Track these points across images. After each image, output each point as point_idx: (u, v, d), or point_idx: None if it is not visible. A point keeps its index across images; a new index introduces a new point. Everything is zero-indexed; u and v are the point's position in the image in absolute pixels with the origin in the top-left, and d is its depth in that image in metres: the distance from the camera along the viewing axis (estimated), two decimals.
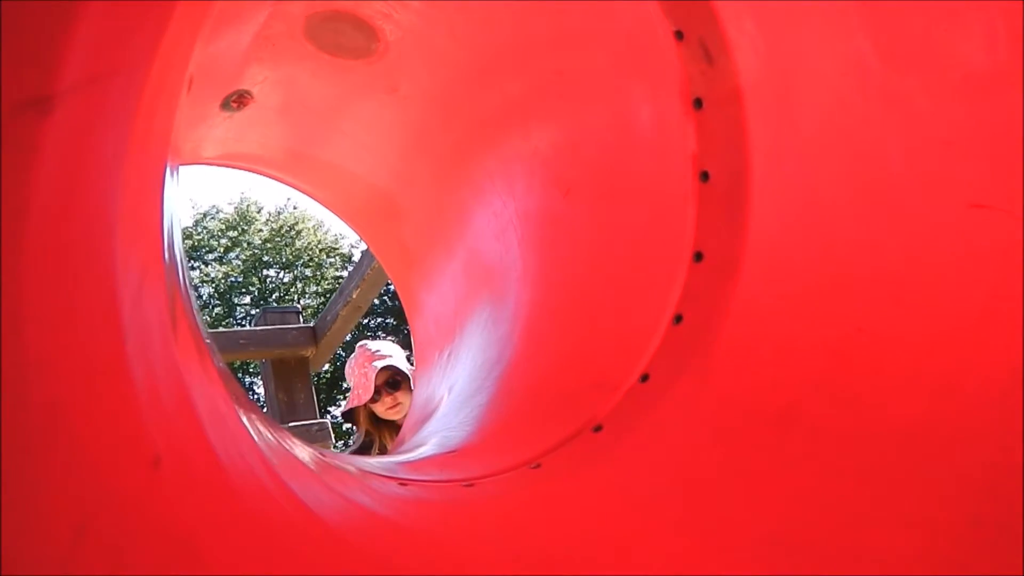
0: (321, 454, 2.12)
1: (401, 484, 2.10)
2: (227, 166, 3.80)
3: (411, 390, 5.01)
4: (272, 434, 1.71)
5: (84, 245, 0.90)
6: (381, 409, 5.13)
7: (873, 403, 1.89)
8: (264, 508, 1.34)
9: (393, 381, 5.11)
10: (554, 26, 2.62)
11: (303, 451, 1.90)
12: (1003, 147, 1.68)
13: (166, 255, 1.23)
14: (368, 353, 5.24)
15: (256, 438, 1.50)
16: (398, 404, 5.08)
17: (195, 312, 1.47)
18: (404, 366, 5.18)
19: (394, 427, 5.16)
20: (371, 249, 4.74)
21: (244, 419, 1.49)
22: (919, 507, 1.70)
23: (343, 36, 2.96)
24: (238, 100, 3.22)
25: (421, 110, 3.22)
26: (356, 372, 5.20)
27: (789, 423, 1.99)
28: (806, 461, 1.92)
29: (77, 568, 0.82)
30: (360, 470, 2.13)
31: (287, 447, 1.76)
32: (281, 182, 3.98)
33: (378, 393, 5.09)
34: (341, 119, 3.41)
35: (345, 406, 5.43)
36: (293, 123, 3.49)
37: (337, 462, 2.15)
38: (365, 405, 5.17)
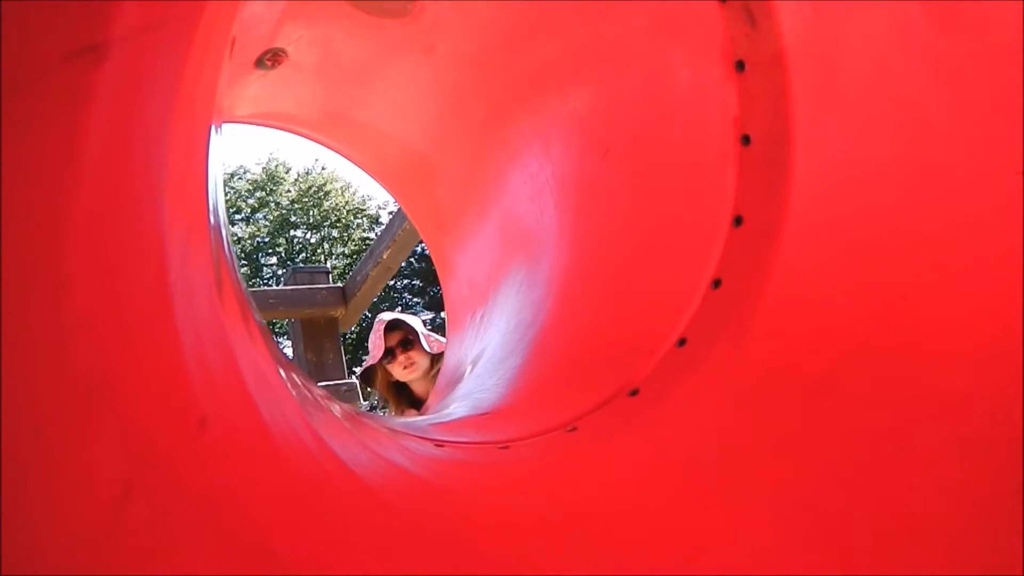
0: (356, 413, 2.12)
1: (437, 445, 2.10)
2: (261, 125, 3.80)
3: (426, 351, 5.07)
4: (310, 392, 1.71)
5: (133, 201, 0.89)
6: (398, 370, 5.22)
7: (914, 370, 1.87)
8: (306, 467, 1.34)
9: (405, 340, 5.20)
10: None
11: (339, 409, 1.90)
12: None
13: (211, 215, 1.23)
14: (381, 320, 5.32)
15: (297, 398, 1.50)
16: (413, 363, 5.17)
17: (237, 272, 1.47)
18: (417, 325, 5.25)
19: (409, 394, 5.23)
20: (404, 210, 4.74)
21: (285, 378, 1.49)
22: (960, 476, 1.69)
23: None
24: (272, 59, 3.20)
25: (457, 71, 3.21)
26: (372, 337, 5.31)
27: (828, 390, 1.97)
28: (845, 428, 1.91)
29: (123, 529, 0.82)
30: (393, 430, 2.13)
31: (325, 406, 1.76)
32: (315, 142, 3.98)
33: (391, 353, 5.18)
34: (376, 79, 3.40)
35: (363, 367, 5.52)
36: (328, 82, 3.48)
37: (371, 422, 2.15)
38: (384, 368, 5.24)
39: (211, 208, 1.24)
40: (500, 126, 3.21)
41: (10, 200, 0.68)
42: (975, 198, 1.83)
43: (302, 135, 3.92)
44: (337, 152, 4.07)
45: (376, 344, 5.22)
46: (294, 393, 1.50)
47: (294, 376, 1.59)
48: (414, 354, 5.16)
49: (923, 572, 1.56)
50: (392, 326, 5.22)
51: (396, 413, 5.29)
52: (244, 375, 1.20)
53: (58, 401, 0.76)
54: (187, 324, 0.99)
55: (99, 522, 0.80)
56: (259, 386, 1.26)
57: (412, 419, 3.38)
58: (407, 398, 5.28)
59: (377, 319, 5.39)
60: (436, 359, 5.10)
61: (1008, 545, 1.55)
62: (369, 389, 5.79)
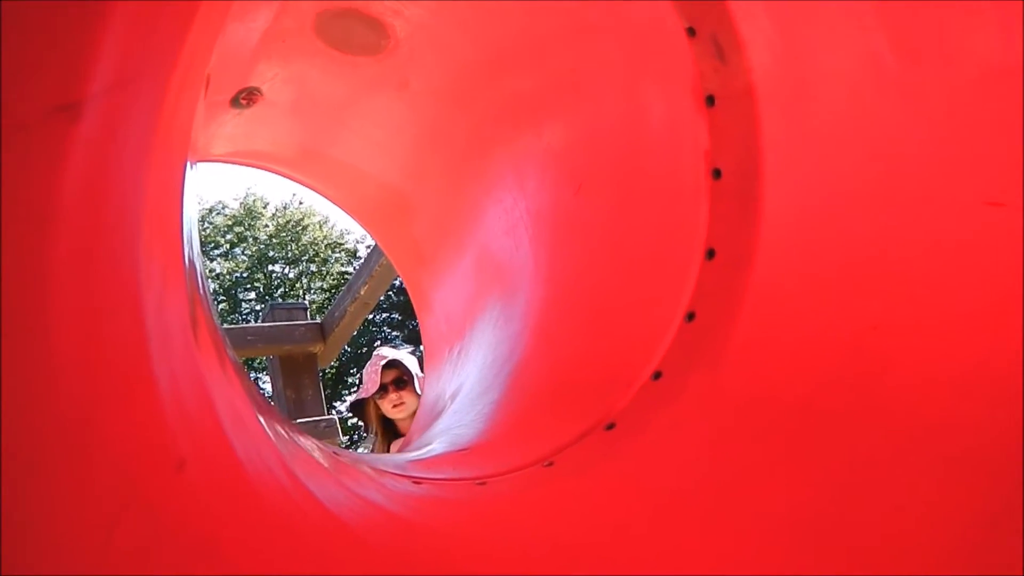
0: (334, 452, 2.13)
1: (415, 483, 2.10)
2: (237, 163, 3.81)
3: (417, 393, 5.17)
4: (287, 432, 1.71)
5: (111, 249, 0.90)
6: (387, 406, 5.31)
7: (888, 397, 1.89)
8: (283, 508, 1.34)
9: (399, 380, 5.29)
10: (566, 22, 2.61)
11: (316, 449, 1.90)
12: (1019, 144, 1.68)
13: (186, 255, 1.24)
14: (380, 355, 5.44)
15: (273, 438, 1.51)
16: (403, 403, 5.27)
17: (213, 312, 1.48)
18: (413, 368, 5.32)
19: (395, 429, 5.31)
20: (381, 246, 4.76)
21: (261, 419, 1.49)
22: (940, 499, 1.71)
23: (353, 33, 2.97)
24: (248, 97, 3.22)
25: (432, 106, 3.23)
26: (368, 370, 5.38)
27: (805, 418, 1.99)
28: (823, 455, 1.92)
29: (108, 566, 0.83)
30: (372, 468, 2.13)
31: (302, 446, 1.76)
32: (291, 179, 3.99)
33: (384, 389, 5.26)
34: (351, 116, 3.42)
35: (353, 398, 5.55)
36: (303, 120, 3.49)
37: (349, 460, 2.16)
38: (375, 402, 5.28)
39: (185, 248, 1.25)
40: (475, 161, 3.22)
41: None
42: (946, 229, 1.85)
43: (278, 173, 3.93)
44: (313, 189, 4.09)
45: (372, 379, 5.31)
46: (271, 434, 1.51)
47: (271, 416, 1.59)
48: (405, 394, 5.27)
49: None
50: (390, 364, 5.31)
51: (382, 444, 5.34)
52: (220, 416, 1.20)
53: (41, 444, 0.77)
54: (164, 366, 1.00)
55: (84, 562, 0.81)
56: (235, 426, 1.27)
57: (390, 456, 3.39)
58: (393, 432, 5.35)
59: (377, 353, 5.51)
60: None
61: (990, 565, 1.57)
62: (357, 420, 5.86)
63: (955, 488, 1.72)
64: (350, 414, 5.92)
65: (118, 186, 0.92)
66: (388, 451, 5.28)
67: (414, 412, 5.18)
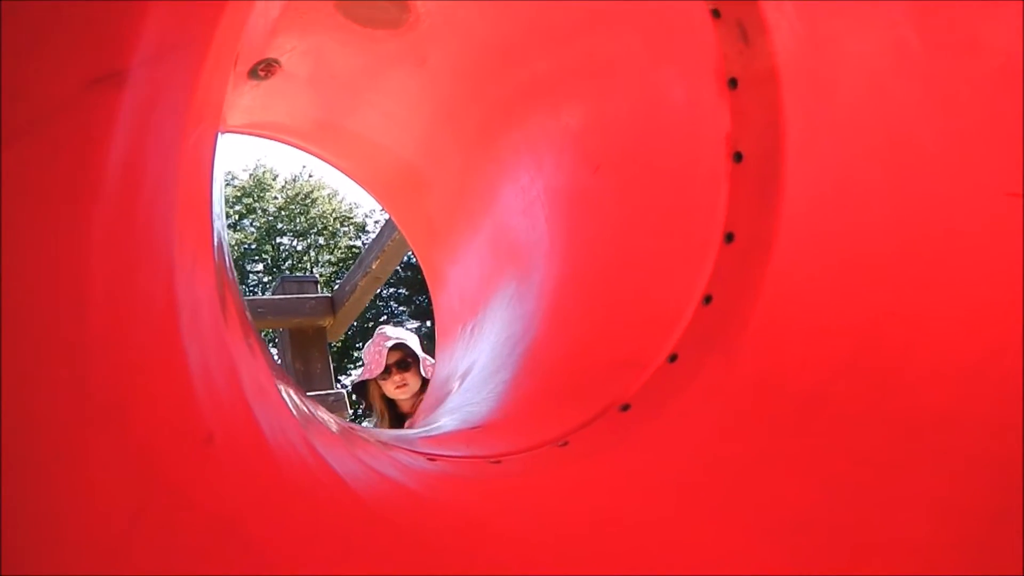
0: (350, 426, 2.13)
1: (429, 459, 2.11)
2: (253, 134, 3.80)
3: (420, 375, 5.16)
4: (307, 407, 1.71)
5: (148, 222, 0.90)
6: (390, 387, 5.28)
7: (903, 387, 1.89)
8: (304, 482, 1.35)
9: (403, 361, 5.26)
10: (587, 3, 2.60)
11: (333, 423, 1.91)
12: None
13: (215, 232, 1.24)
14: (384, 335, 5.39)
15: (294, 411, 1.51)
16: (405, 384, 5.24)
17: (238, 288, 1.48)
18: (417, 349, 5.30)
19: (398, 410, 5.30)
20: (395, 221, 4.75)
21: (283, 393, 1.50)
22: (949, 491, 1.71)
23: (373, 7, 2.95)
24: (266, 69, 3.21)
25: (450, 83, 3.22)
26: (371, 350, 5.35)
27: (818, 405, 1.99)
28: (835, 444, 1.92)
29: (134, 549, 0.83)
30: (386, 443, 2.14)
31: (320, 420, 1.76)
32: (307, 152, 3.98)
33: (387, 371, 5.23)
34: (369, 90, 3.41)
35: (356, 379, 5.56)
36: (320, 93, 3.48)
37: (364, 435, 2.16)
38: (376, 382, 5.31)
39: (214, 224, 1.25)
40: (492, 139, 3.22)
41: (33, 223, 0.69)
42: (965, 218, 1.85)
43: (294, 145, 3.92)
44: (329, 163, 4.08)
45: (375, 360, 5.27)
46: (292, 408, 1.51)
47: (290, 390, 1.60)
48: (409, 376, 5.24)
49: None
50: (395, 347, 5.28)
51: (385, 426, 5.33)
52: (246, 391, 1.21)
53: (75, 424, 0.77)
54: (193, 342, 1.00)
55: (111, 542, 0.81)
56: (260, 402, 1.27)
57: (402, 431, 3.39)
58: (394, 414, 5.33)
59: (379, 333, 5.47)
60: (425, 383, 5.15)
61: (997, 560, 1.57)
62: (360, 401, 5.82)
63: (966, 481, 1.72)
64: (353, 393, 5.84)
65: (156, 157, 0.92)
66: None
67: (417, 393, 5.19)
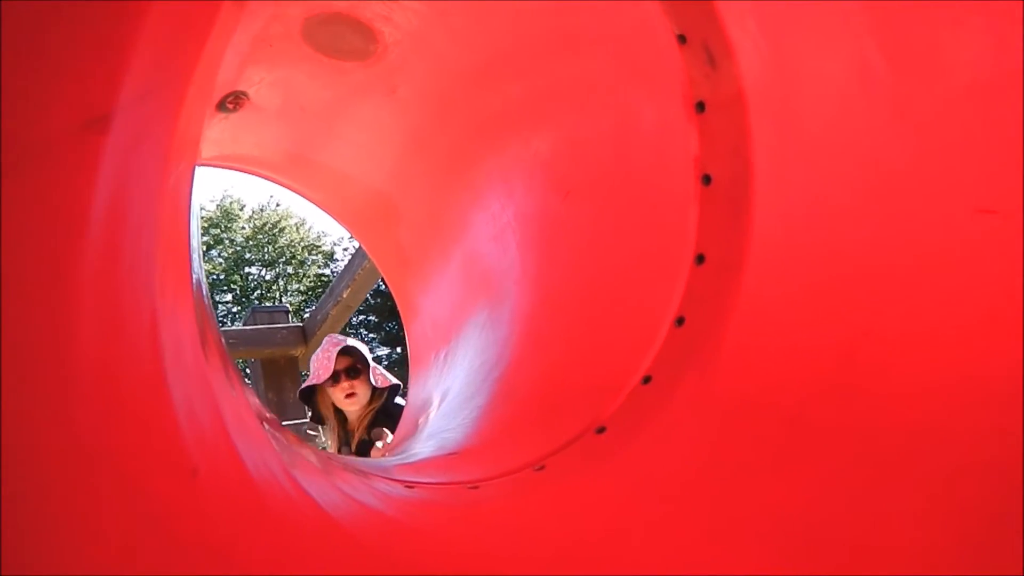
0: (327, 456, 2.14)
1: (407, 487, 2.11)
2: (222, 167, 3.80)
3: (371, 383, 5.00)
4: (284, 438, 1.72)
5: (132, 259, 0.91)
6: (339, 395, 5.10)
7: (880, 403, 1.91)
8: (287, 514, 1.35)
9: (353, 368, 5.08)
10: (555, 29, 2.62)
11: (312, 454, 1.91)
12: (1009, 153, 1.69)
13: (193, 267, 1.25)
14: (335, 340, 5.21)
15: (276, 445, 1.52)
16: (355, 394, 5.06)
17: (216, 322, 1.49)
18: (367, 356, 5.16)
19: (344, 422, 5.18)
20: (367, 250, 4.73)
21: (265, 427, 1.50)
22: (930, 505, 1.72)
23: (341, 38, 2.97)
24: (234, 101, 3.22)
25: (419, 112, 3.23)
26: (319, 355, 5.18)
27: (797, 423, 2.00)
28: (813, 462, 1.93)
29: None
30: (364, 472, 2.14)
31: (299, 451, 1.77)
32: (277, 183, 3.99)
33: (336, 377, 5.05)
34: (338, 121, 3.42)
35: (304, 384, 5.40)
36: (290, 125, 3.49)
37: (341, 464, 2.16)
38: (325, 391, 5.17)
39: (193, 260, 1.26)
40: (462, 167, 3.23)
41: (23, 261, 0.70)
42: (936, 236, 1.87)
43: (264, 177, 3.93)
44: (299, 193, 4.08)
45: (324, 365, 5.09)
46: (273, 440, 1.52)
47: (272, 423, 1.61)
48: (358, 384, 5.06)
49: None
50: (345, 351, 5.11)
51: (335, 436, 5.21)
52: (228, 425, 1.21)
53: (66, 461, 0.78)
54: (176, 379, 1.01)
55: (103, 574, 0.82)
56: (241, 435, 1.28)
57: (378, 460, 3.38)
58: (343, 426, 5.19)
59: (328, 339, 5.28)
60: (376, 394, 5.04)
61: (981, 569, 1.59)
62: (308, 408, 5.65)
63: (945, 497, 1.73)
64: (300, 399, 5.62)
65: (139, 196, 0.93)
66: (343, 443, 5.18)
67: (366, 404, 5.07)
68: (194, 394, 1.10)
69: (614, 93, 2.59)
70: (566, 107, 2.76)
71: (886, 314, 1.94)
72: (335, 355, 5.06)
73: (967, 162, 1.79)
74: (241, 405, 1.40)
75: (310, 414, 5.54)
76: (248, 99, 3.23)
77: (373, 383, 5.04)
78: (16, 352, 0.70)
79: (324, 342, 5.28)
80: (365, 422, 5.00)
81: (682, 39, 2.27)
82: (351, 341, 5.24)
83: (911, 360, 1.88)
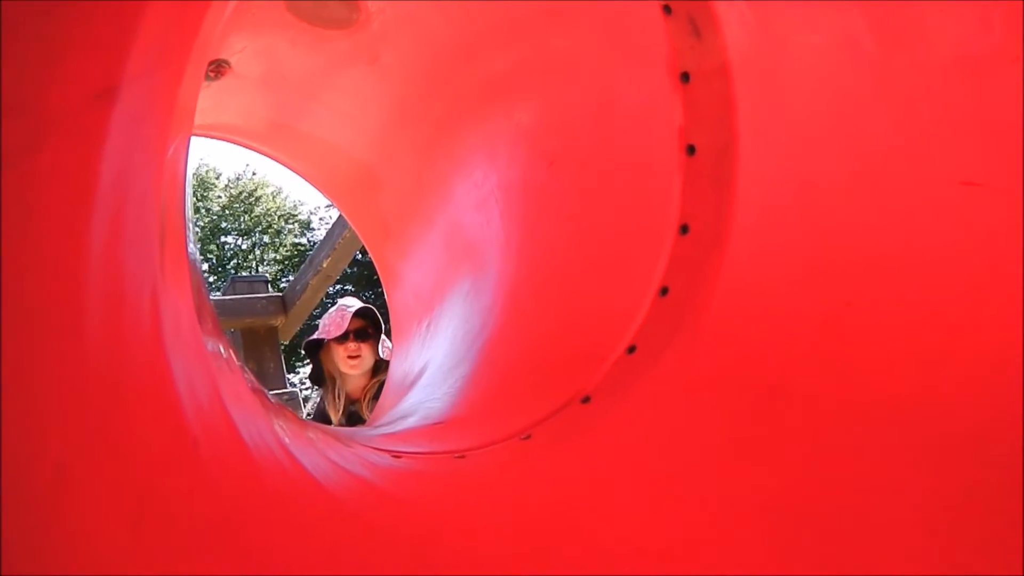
0: (315, 426, 2.14)
1: (394, 456, 2.12)
2: (204, 136, 3.79)
3: (377, 353, 4.99)
4: (275, 408, 1.73)
5: (135, 234, 0.92)
6: (342, 354, 5.08)
7: (863, 375, 1.92)
8: (283, 485, 1.36)
9: (363, 331, 5.08)
10: (541, 1, 2.62)
11: (299, 424, 1.92)
12: (995, 127, 1.71)
13: (190, 239, 1.25)
14: (348, 304, 5.20)
15: (269, 417, 1.53)
16: (359, 356, 5.05)
17: (208, 294, 1.49)
18: (380, 324, 5.14)
19: (343, 392, 5.14)
20: (349, 220, 4.71)
21: (258, 399, 1.51)
22: (912, 476, 1.74)
23: (323, 6, 2.96)
24: (216, 70, 3.21)
25: (402, 82, 3.23)
26: (333, 314, 5.18)
27: (778, 395, 2.02)
28: (797, 430, 1.95)
29: (137, 555, 0.84)
30: (352, 441, 2.15)
31: (289, 420, 1.78)
32: (259, 152, 3.98)
33: (345, 335, 5.04)
34: (321, 90, 3.41)
35: (312, 336, 5.36)
36: (272, 94, 3.48)
37: (331, 434, 2.17)
38: (332, 348, 5.14)
39: (188, 232, 1.26)
40: (446, 136, 3.23)
41: (35, 234, 0.70)
42: (921, 208, 1.88)
43: (246, 146, 3.92)
44: (281, 163, 4.07)
45: (337, 322, 5.08)
46: (266, 411, 1.53)
47: (264, 395, 1.61)
48: (365, 348, 5.04)
49: (878, 572, 1.61)
50: (361, 313, 5.11)
51: (333, 397, 5.16)
52: (224, 398, 1.22)
53: (76, 435, 0.78)
54: (176, 353, 1.02)
55: (115, 552, 0.82)
56: (237, 407, 1.29)
57: (364, 429, 3.38)
58: (343, 392, 5.16)
59: (342, 302, 5.28)
60: (379, 365, 5.01)
61: (960, 544, 1.61)
62: (309, 362, 5.58)
63: (926, 467, 1.75)
64: (304, 351, 5.52)
65: (141, 167, 0.93)
66: (339, 406, 5.14)
67: (367, 373, 5.05)
68: (193, 368, 1.10)
69: (599, 64, 2.59)
70: (550, 78, 2.76)
71: (870, 285, 1.96)
72: (350, 314, 5.05)
73: (952, 135, 1.80)
74: (235, 376, 1.41)
75: (310, 370, 5.48)
76: (230, 67, 3.22)
77: (379, 353, 5.02)
78: (30, 327, 0.71)
79: (337, 304, 5.28)
80: (370, 394, 4.97)
81: (667, 10, 2.28)
82: (368, 306, 5.22)
83: (895, 333, 1.90)
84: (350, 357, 5.06)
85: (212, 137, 3.83)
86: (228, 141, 3.89)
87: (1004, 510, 1.56)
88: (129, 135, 0.86)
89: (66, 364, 0.77)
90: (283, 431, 1.57)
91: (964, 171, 1.77)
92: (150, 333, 0.95)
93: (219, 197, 42.54)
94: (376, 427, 3.15)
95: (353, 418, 4.98)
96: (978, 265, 1.77)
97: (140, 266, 0.94)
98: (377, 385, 4.92)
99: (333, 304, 5.45)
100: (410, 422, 2.75)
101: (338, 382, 5.18)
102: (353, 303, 5.17)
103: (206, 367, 1.19)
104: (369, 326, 5.11)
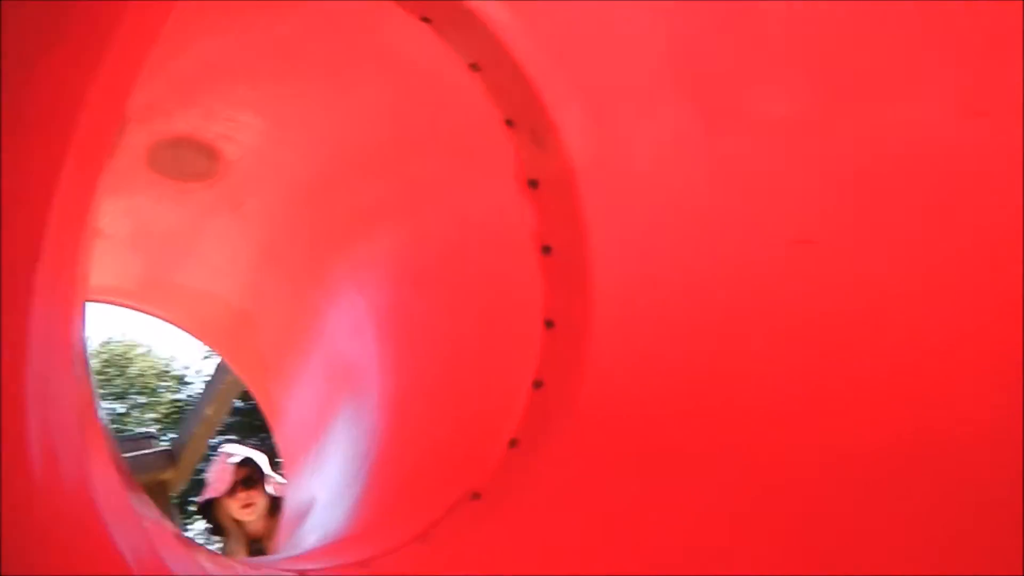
0: (219, 559, 2.18)
1: (300, 575, 2.18)
2: None
3: (267, 492, 4.94)
4: (195, 546, 1.78)
5: (59, 392, 1.00)
6: (235, 506, 4.97)
7: (738, 434, 2.07)
8: None
9: (249, 478, 4.97)
10: (391, 132, 2.77)
11: (205, 559, 1.96)
12: (817, 185, 1.90)
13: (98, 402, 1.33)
14: (229, 453, 5.09)
15: (191, 552, 1.59)
16: (252, 504, 4.94)
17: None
18: (264, 466, 5.08)
19: (246, 532, 5.10)
20: (227, 362, 4.71)
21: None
22: (779, 511, 1.89)
23: (184, 160, 3.02)
24: None
25: (267, 224, 3.33)
26: (215, 467, 5.06)
27: (660, 464, 2.15)
28: (683, 496, 2.08)
29: None
30: (258, 567, 2.19)
31: (208, 555, 1.83)
32: (133, 309, 4.00)
33: (233, 489, 4.95)
34: (189, 241, 3.46)
35: (200, 498, 5.24)
36: (141, 250, 3.52)
37: (234, 567, 2.21)
38: (223, 502, 5.08)
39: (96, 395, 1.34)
40: (315, 269, 3.30)
41: None
42: (759, 269, 2.05)
43: (119, 304, 3.94)
44: (156, 316, 4.08)
45: (221, 478, 4.95)
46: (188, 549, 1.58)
47: (184, 536, 1.68)
48: (255, 494, 4.93)
49: None
50: (243, 463, 4.95)
51: (238, 546, 5.08)
52: (156, 543, 1.30)
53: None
54: (107, 507, 1.09)
55: None
56: (167, 550, 1.36)
57: (266, 558, 3.38)
58: (244, 536, 5.09)
59: (224, 451, 5.16)
60: (275, 503, 4.96)
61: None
62: (207, 521, 5.46)
63: (801, 507, 1.90)
64: (198, 514, 5.34)
65: (58, 329, 1.02)
66: (244, 550, 5.05)
67: (263, 514, 5.01)
68: (125, 519, 1.18)
69: (453, 182, 2.74)
70: (409, 202, 2.89)
71: (726, 348, 2.11)
72: (233, 467, 4.96)
73: (781, 200, 1.98)
74: (164, 532, 1.47)
75: (208, 526, 5.38)
76: (100, 230, 3.26)
77: (268, 491, 4.97)
78: None
79: (218, 454, 5.17)
80: (273, 531, 4.91)
81: (510, 123, 2.41)
82: (245, 450, 5.12)
83: (757, 386, 2.05)
84: (244, 507, 4.95)
85: (88, 301, 3.84)
86: (102, 303, 3.92)
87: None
88: (47, 300, 0.95)
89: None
90: (206, 564, 1.64)
91: (795, 230, 1.95)
92: (82, 496, 1.03)
93: (92, 364, 41.57)
94: (281, 553, 3.17)
95: (261, 555, 4.93)
96: (814, 315, 1.95)
97: (67, 426, 1.02)
98: (277, 521, 4.88)
99: (215, 453, 5.35)
100: (311, 541, 2.79)
101: (238, 530, 5.12)
102: (233, 452, 5.12)
103: (141, 532, 1.26)
104: (253, 472, 5.00)
